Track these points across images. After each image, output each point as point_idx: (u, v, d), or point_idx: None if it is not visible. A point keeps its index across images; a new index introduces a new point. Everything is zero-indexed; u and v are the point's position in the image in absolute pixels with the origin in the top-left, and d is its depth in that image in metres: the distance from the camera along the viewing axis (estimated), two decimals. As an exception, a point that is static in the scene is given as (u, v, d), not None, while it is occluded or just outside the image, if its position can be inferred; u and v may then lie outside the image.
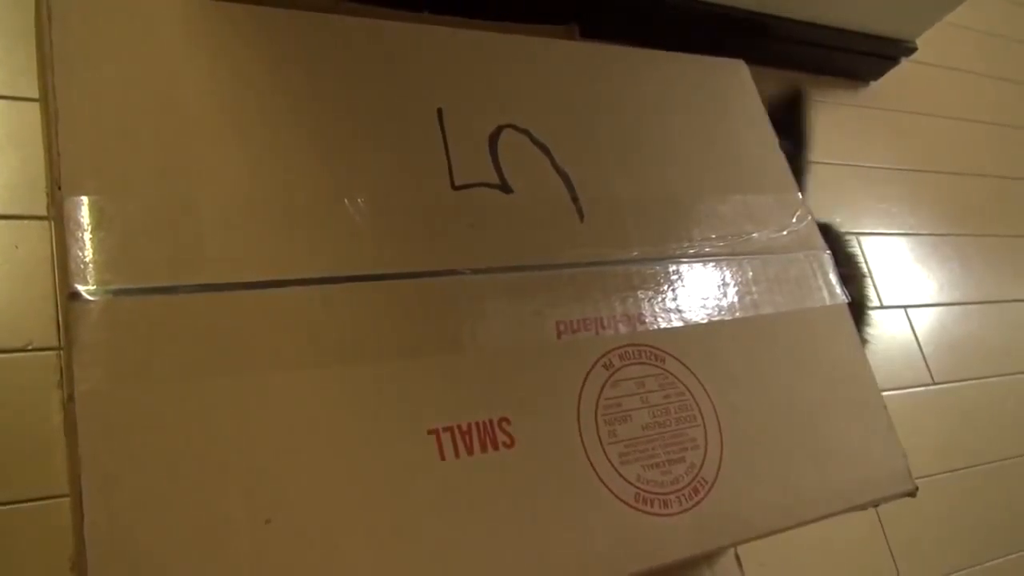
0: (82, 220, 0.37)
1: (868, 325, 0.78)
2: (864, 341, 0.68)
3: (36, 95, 0.44)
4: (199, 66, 0.43)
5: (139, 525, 0.33)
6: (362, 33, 0.50)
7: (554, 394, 0.45)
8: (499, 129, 0.51)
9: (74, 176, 0.38)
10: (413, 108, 0.49)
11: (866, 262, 0.96)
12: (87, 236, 0.37)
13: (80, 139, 0.39)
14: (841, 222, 0.95)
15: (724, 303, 0.54)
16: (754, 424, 0.50)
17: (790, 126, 0.77)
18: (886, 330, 0.94)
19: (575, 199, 0.52)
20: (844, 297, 0.59)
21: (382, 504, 0.38)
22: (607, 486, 0.44)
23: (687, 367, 0.50)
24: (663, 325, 0.51)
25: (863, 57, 1.06)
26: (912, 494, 0.54)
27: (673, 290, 0.52)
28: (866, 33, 1.01)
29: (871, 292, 0.95)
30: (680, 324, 0.51)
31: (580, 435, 0.45)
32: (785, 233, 0.59)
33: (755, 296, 0.55)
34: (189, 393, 0.36)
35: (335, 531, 0.37)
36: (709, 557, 0.59)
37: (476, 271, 0.46)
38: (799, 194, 0.62)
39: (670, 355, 0.50)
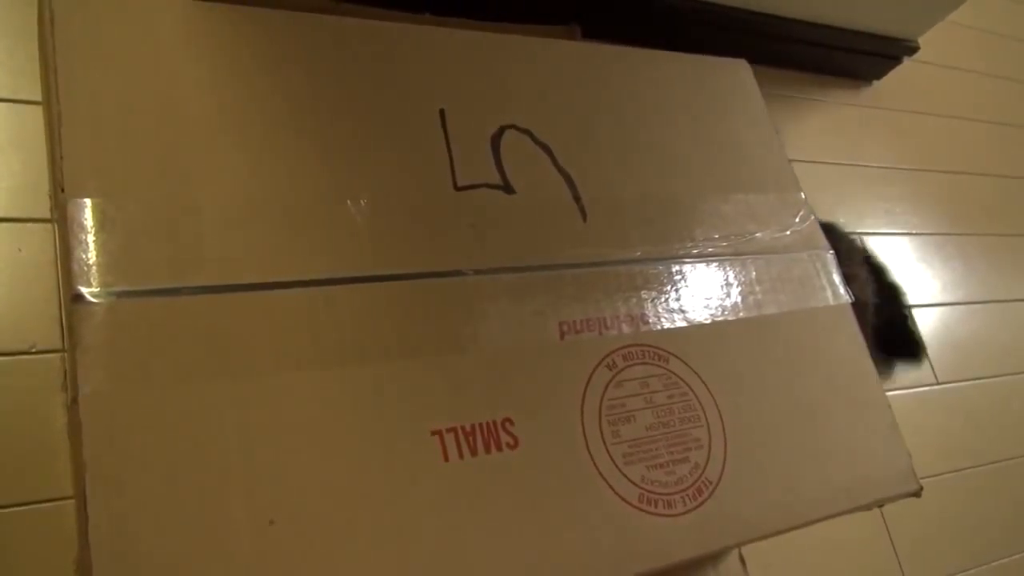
0: (85, 222, 0.37)
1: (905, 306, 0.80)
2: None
3: (38, 98, 0.44)
4: (200, 68, 0.43)
5: (143, 527, 0.33)
6: (363, 34, 0.50)
7: (557, 394, 0.45)
8: (501, 130, 0.51)
9: (77, 178, 0.38)
10: (415, 109, 0.49)
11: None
12: (90, 238, 0.37)
13: (83, 141, 0.39)
14: (844, 222, 0.95)
15: (727, 303, 0.53)
16: (758, 424, 0.50)
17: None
18: (889, 330, 0.94)
19: (577, 199, 0.51)
20: (848, 297, 0.59)
21: (386, 505, 0.38)
22: (611, 486, 0.44)
23: (691, 367, 0.50)
24: (666, 325, 0.50)
25: (865, 56, 1.05)
26: (917, 494, 0.54)
27: (676, 290, 0.52)
28: (868, 32, 1.01)
29: (895, 279, 0.95)
30: (683, 324, 0.51)
31: (584, 436, 0.44)
32: (788, 233, 0.59)
33: (758, 296, 0.55)
34: (192, 395, 0.36)
35: (338, 532, 0.36)
36: (713, 558, 0.59)
37: (479, 272, 0.46)
38: (801, 193, 0.62)
39: (673, 355, 0.50)
